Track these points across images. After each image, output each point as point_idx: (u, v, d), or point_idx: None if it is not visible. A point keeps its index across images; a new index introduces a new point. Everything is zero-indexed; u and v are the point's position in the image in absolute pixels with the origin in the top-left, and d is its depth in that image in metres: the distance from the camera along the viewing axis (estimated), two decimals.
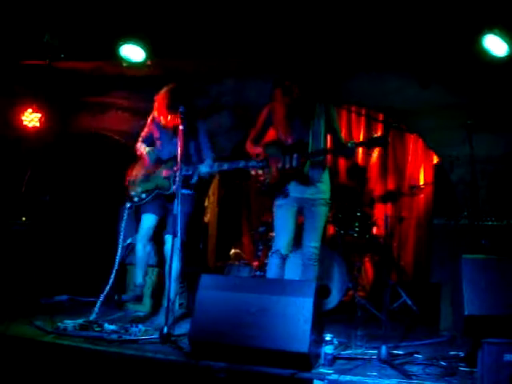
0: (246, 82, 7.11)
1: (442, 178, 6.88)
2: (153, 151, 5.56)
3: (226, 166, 5.23)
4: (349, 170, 8.10)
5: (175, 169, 5.14)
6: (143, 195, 5.50)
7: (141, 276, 5.64)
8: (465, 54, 6.02)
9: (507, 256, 4.21)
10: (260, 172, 5.23)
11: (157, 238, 5.70)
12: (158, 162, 5.52)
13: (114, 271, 5.65)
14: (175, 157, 5.28)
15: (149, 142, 5.67)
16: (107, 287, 5.60)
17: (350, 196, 7.44)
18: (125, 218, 5.70)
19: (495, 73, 6.09)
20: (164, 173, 5.42)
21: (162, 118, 5.44)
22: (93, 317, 5.32)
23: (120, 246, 5.69)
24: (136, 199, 5.54)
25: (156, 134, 5.61)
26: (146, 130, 5.70)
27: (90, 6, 5.82)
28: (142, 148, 5.61)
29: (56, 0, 5.81)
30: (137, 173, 5.60)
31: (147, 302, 6.13)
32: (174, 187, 5.26)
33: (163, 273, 5.63)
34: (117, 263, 5.65)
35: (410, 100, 6.67)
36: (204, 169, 5.29)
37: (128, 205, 5.61)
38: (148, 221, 5.55)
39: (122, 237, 5.69)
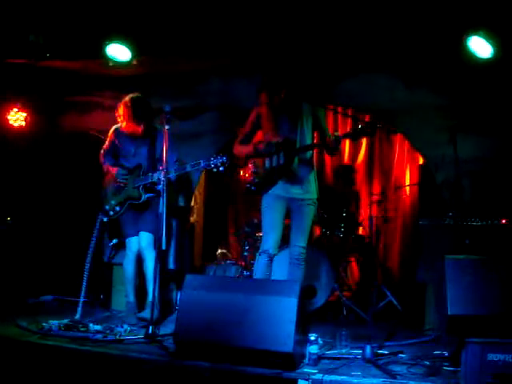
0: (232, 82, 7.10)
1: (428, 179, 6.91)
2: (121, 171, 5.58)
3: (188, 168, 5.25)
4: (335, 171, 8.12)
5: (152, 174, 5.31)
6: (117, 208, 5.56)
7: (132, 294, 5.64)
8: (450, 55, 6.05)
9: (491, 256, 4.24)
10: (250, 170, 5.26)
11: None
12: (126, 173, 5.56)
13: (86, 275, 5.69)
14: (140, 165, 5.52)
15: (111, 153, 5.73)
16: (83, 288, 5.64)
17: (336, 197, 7.46)
18: (96, 231, 5.75)
19: (480, 75, 6.12)
20: (132, 183, 5.49)
21: (127, 126, 5.52)
22: (77, 316, 5.33)
23: (89, 256, 5.75)
24: (111, 213, 5.60)
25: (120, 145, 5.67)
26: (107, 142, 5.75)
27: (75, 5, 5.79)
28: (113, 170, 5.63)
29: None
30: (107, 186, 5.66)
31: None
32: (144, 196, 5.44)
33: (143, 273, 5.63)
34: (87, 267, 5.70)
35: (396, 101, 6.69)
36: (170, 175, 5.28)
37: (105, 219, 5.67)
38: (134, 244, 5.59)
39: (91, 248, 5.76)
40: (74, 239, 7.02)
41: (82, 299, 5.61)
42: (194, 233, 8.27)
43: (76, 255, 6.82)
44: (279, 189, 5.17)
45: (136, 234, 5.57)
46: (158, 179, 5.18)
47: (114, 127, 5.71)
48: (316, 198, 5.27)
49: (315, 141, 5.36)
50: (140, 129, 5.51)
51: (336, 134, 5.03)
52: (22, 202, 7.19)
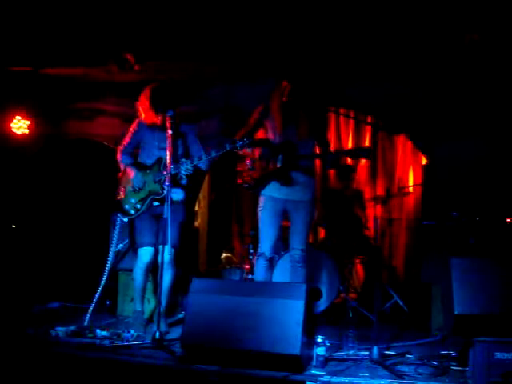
0: (235, 87, 7.11)
1: (431, 179, 6.91)
2: (138, 176, 5.42)
3: (213, 153, 5.09)
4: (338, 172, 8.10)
5: (164, 172, 5.13)
6: (138, 205, 5.36)
7: (139, 303, 5.54)
8: (452, 57, 6.06)
9: (496, 255, 4.25)
10: (247, 166, 5.25)
11: None
12: (144, 170, 5.42)
13: (104, 280, 5.62)
14: (160, 159, 5.31)
15: (131, 150, 5.54)
16: (97, 295, 5.59)
17: (340, 198, 7.47)
18: (117, 231, 5.63)
19: (481, 77, 6.13)
20: (152, 178, 5.33)
21: (146, 116, 5.35)
22: (85, 324, 5.31)
23: (111, 256, 5.67)
24: (132, 212, 5.38)
25: (143, 137, 5.48)
26: (127, 138, 5.53)
27: (77, 12, 5.80)
28: (130, 174, 5.47)
29: (43, 6, 5.79)
30: (125, 186, 5.46)
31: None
32: (166, 190, 5.16)
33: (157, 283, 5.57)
34: (106, 272, 5.63)
35: (398, 102, 6.68)
36: (192, 162, 5.20)
37: (125, 219, 5.46)
38: (146, 255, 5.41)
39: (112, 250, 5.68)
40: (79, 245, 7.05)
41: (92, 305, 5.57)
42: (199, 237, 8.28)
43: (81, 262, 6.86)
44: (274, 190, 5.17)
45: (151, 244, 5.40)
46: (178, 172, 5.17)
47: (137, 120, 5.49)
48: (313, 200, 5.26)
49: (317, 151, 5.35)
50: (158, 120, 5.32)
51: (336, 151, 5.11)
52: (26, 210, 7.21)
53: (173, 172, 5.11)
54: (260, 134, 5.39)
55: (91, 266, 6.48)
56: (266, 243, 5.19)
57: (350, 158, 6.60)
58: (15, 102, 7.18)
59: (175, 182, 5.25)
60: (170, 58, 6.52)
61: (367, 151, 5.00)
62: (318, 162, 5.75)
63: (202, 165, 5.28)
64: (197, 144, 5.48)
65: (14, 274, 6.46)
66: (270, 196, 5.18)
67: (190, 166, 5.18)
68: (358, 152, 5.08)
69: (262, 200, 5.24)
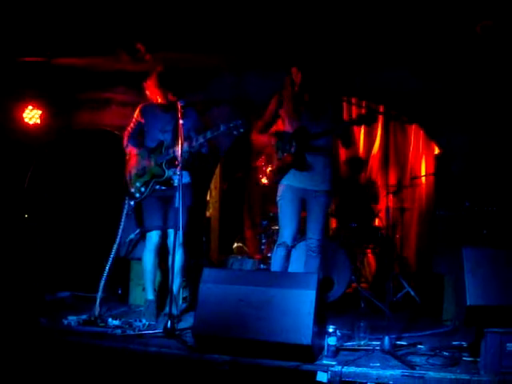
0: (245, 76, 7.10)
1: (444, 169, 6.88)
2: (143, 151, 5.52)
3: (209, 134, 5.15)
4: (348, 161, 8.09)
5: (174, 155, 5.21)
6: (142, 189, 5.45)
7: (151, 291, 5.57)
8: (461, 45, 6.02)
9: (508, 244, 4.22)
10: (264, 160, 5.27)
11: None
12: (147, 153, 5.49)
13: (108, 268, 5.59)
14: (162, 142, 5.41)
15: (136, 135, 5.62)
16: (101, 283, 5.56)
17: (353, 188, 7.45)
18: (124, 214, 5.62)
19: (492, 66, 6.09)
20: (155, 161, 5.40)
21: (152, 94, 5.44)
22: (96, 313, 5.33)
23: (116, 242, 5.67)
24: (137, 195, 5.48)
25: (147, 122, 5.56)
26: (131, 124, 5.64)
27: (87, 1, 5.80)
28: (133, 154, 5.57)
29: None
30: (131, 169, 5.55)
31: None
32: (167, 172, 5.33)
33: (167, 268, 5.60)
34: (111, 260, 5.61)
35: (410, 91, 6.65)
36: (190, 144, 5.25)
37: (131, 203, 5.54)
38: (154, 238, 5.49)
39: (119, 233, 5.67)
40: (89, 235, 7.07)
41: (100, 294, 5.54)
42: (210, 227, 8.29)
43: (91, 251, 6.88)
44: (293, 179, 5.16)
45: (159, 227, 5.48)
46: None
47: (140, 105, 5.61)
48: (331, 189, 5.25)
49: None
50: (164, 99, 5.42)
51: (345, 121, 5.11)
52: (39, 200, 7.23)
53: (174, 155, 5.22)
54: (278, 126, 5.40)
55: (102, 255, 6.50)
56: (287, 232, 5.19)
57: (359, 124, 6.58)
58: (27, 92, 7.20)
59: (174, 163, 5.26)
60: (181, 48, 6.51)
61: (373, 114, 4.98)
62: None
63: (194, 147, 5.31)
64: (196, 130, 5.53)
65: (25, 264, 6.49)
66: (289, 185, 5.18)
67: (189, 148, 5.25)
68: (365, 118, 5.04)
69: (280, 189, 5.24)
